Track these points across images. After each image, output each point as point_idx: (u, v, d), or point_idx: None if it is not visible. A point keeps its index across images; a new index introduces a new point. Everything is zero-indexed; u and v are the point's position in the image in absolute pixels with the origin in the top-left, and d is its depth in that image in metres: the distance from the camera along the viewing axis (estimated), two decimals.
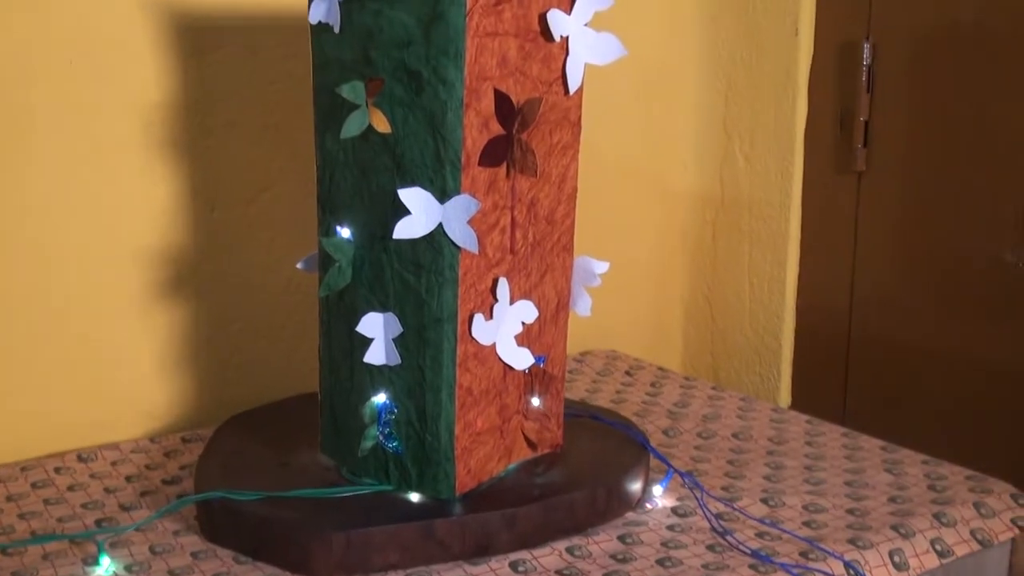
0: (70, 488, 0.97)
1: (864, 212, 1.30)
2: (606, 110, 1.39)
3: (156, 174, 1.09)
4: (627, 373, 1.31)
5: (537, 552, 0.85)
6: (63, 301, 1.06)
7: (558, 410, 0.96)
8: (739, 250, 1.42)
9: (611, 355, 1.38)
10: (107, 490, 0.96)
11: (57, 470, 1.00)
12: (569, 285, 0.95)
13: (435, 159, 0.81)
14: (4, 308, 1.03)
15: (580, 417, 1.03)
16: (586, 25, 0.88)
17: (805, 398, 1.39)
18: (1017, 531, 0.93)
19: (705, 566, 0.83)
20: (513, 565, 0.83)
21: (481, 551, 0.84)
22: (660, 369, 1.33)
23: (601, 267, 0.95)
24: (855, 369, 1.34)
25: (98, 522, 0.90)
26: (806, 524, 0.90)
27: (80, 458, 1.03)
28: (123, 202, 1.07)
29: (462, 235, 0.80)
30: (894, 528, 0.89)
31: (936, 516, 0.91)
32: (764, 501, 0.94)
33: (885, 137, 1.26)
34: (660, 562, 0.84)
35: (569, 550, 0.85)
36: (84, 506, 0.93)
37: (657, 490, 0.95)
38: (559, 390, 0.95)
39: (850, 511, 0.93)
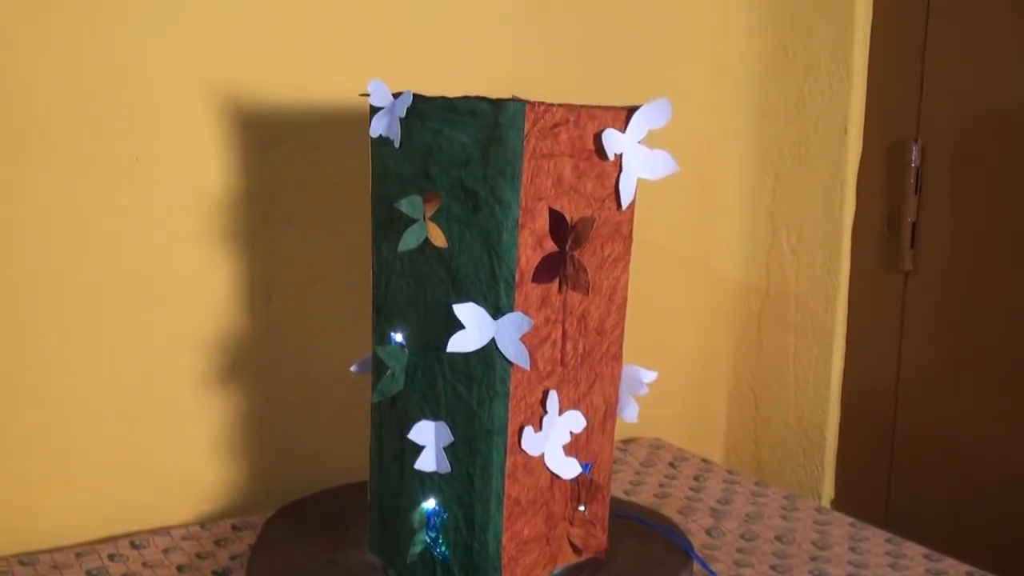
0: None
1: (910, 311, 1.30)
2: (654, 197, 1.41)
3: (216, 263, 1.12)
4: (671, 465, 1.32)
5: None
6: (121, 385, 1.09)
7: (603, 515, 0.97)
8: (784, 341, 1.43)
9: (655, 444, 1.39)
10: None
11: (111, 557, 1.03)
12: (617, 393, 0.96)
13: (490, 276, 0.83)
14: (63, 389, 1.06)
15: (625, 518, 1.04)
16: (639, 142, 0.90)
17: (849, 492, 1.39)
18: None
19: None
20: None
21: None
22: (704, 461, 1.34)
23: (649, 376, 0.97)
24: (899, 464, 1.34)
25: None
26: None
27: (133, 544, 1.05)
28: (183, 290, 1.11)
29: (515, 351, 0.82)
30: None
31: None
32: None
33: (933, 238, 1.27)
34: None
35: None
36: None
37: None
38: (605, 496, 0.96)
39: None
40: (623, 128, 0.89)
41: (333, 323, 1.17)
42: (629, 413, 0.97)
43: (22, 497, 1.06)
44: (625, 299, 0.95)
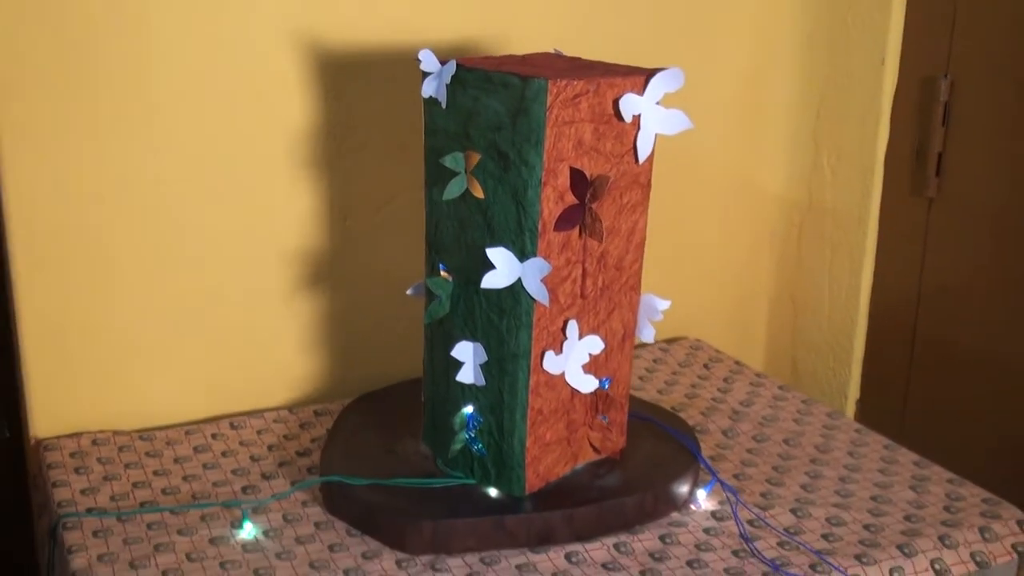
0: (223, 454, 1.19)
1: (933, 234, 1.40)
2: (705, 115, 1.52)
3: (299, 188, 1.28)
4: (704, 366, 1.47)
5: (589, 546, 1.03)
6: (222, 291, 1.28)
7: (621, 420, 1.13)
8: (821, 255, 1.54)
9: (695, 345, 1.54)
10: (252, 458, 1.18)
11: (214, 436, 1.23)
12: (635, 319, 1.11)
13: (517, 225, 0.98)
14: (175, 294, 1.25)
15: (645, 420, 1.20)
16: (657, 103, 1.02)
17: (872, 394, 1.52)
18: (1015, 556, 1.07)
19: (727, 570, 1.00)
20: (568, 556, 1.02)
21: (543, 542, 1.03)
22: (736, 363, 1.48)
23: (663, 304, 1.11)
24: (918, 369, 1.46)
25: (244, 488, 1.12)
26: (824, 537, 1.06)
27: (232, 425, 1.26)
28: (272, 210, 1.28)
29: (536, 291, 0.97)
30: (900, 547, 1.04)
31: (941, 538, 1.06)
32: (793, 511, 1.10)
33: (956, 168, 1.36)
34: (690, 563, 1.01)
35: (616, 546, 1.03)
36: (234, 472, 1.15)
37: (701, 494, 1.12)
38: (623, 404, 1.13)
39: (867, 526, 1.08)
40: (641, 91, 1.01)
41: (401, 237, 1.33)
42: (646, 334, 1.12)
43: (143, 384, 1.26)
44: (643, 239, 1.09)
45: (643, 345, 1.53)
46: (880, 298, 1.49)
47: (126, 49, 1.16)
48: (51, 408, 1.23)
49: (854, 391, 1.54)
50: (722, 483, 1.13)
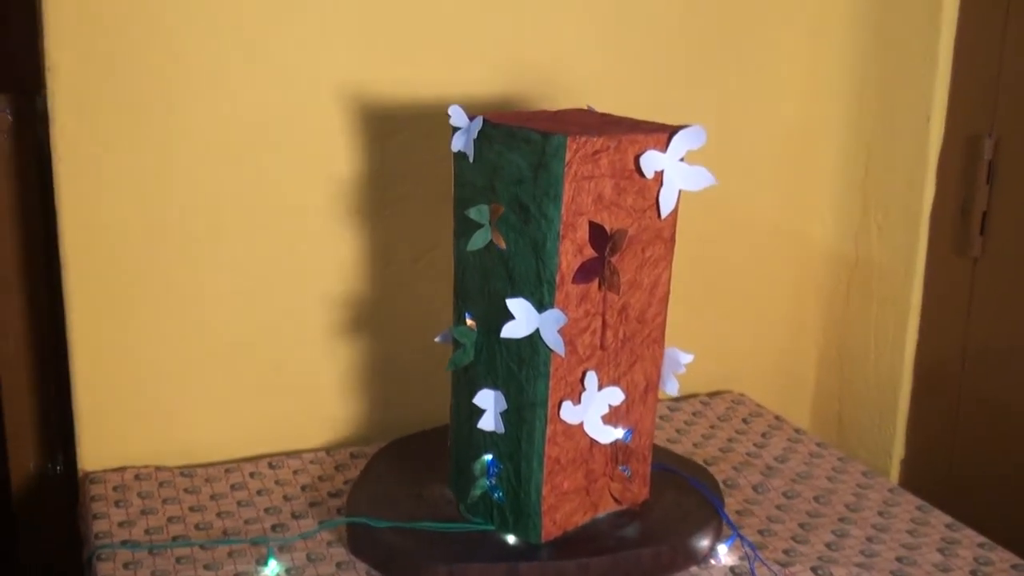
0: (259, 492, 1.23)
1: (977, 293, 1.39)
2: (752, 171, 1.53)
3: (343, 235, 1.32)
4: (744, 420, 1.46)
5: None
6: (265, 334, 1.32)
7: (644, 472, 1.14)
8: (867, 310, 1.53)
9: (737, 400, 1.54)
10: (285, 498, 1.22)
11: (251, 475, 1.27)
12: (659, 371, 1.12)
13: (536, 277, 1.00)
14: (221, 335, 1.30)
15: (670, 472, 1.20)
16: (680, 160, 1.04)
17: (916, 453, 1.50)
18: None
19: None
20: None
21: None
22: (776, 418, 1.47)
23: (687, 358, 1.12)
24: (963, 429, 1.44)
25: (273, 527, 1.15)
26: None
27: (270, 465, 1.30)
28: (315, 256, 1.32)
29: (553, 341, 0.99)
30: None
31: None
32: (814, 569, 1.09)
33: (1001, 228, 1.35)
34: None
35: None
36: (266, 511, 1.19)
37: (722, 549, 1.11)
38: (646, 456, 1.13)
39: None
40: (664, 148, 1.03)
41: (439, 288, 1.36)
42: (671, 387, 1.13)
43: (188, 421, 1.31)
44: (667, 293, 1.10)
45: (684, 398, 1.54)
46: (925, 356, 1.47)
47: (181, 96, 1.22)
48: (99, 442, 1.28)
49: (899, 450, 1.52)
50: (742, 538, 1.13)
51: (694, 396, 1.54)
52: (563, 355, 1.00)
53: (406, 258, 1.36)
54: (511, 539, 1.07)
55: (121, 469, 1.27)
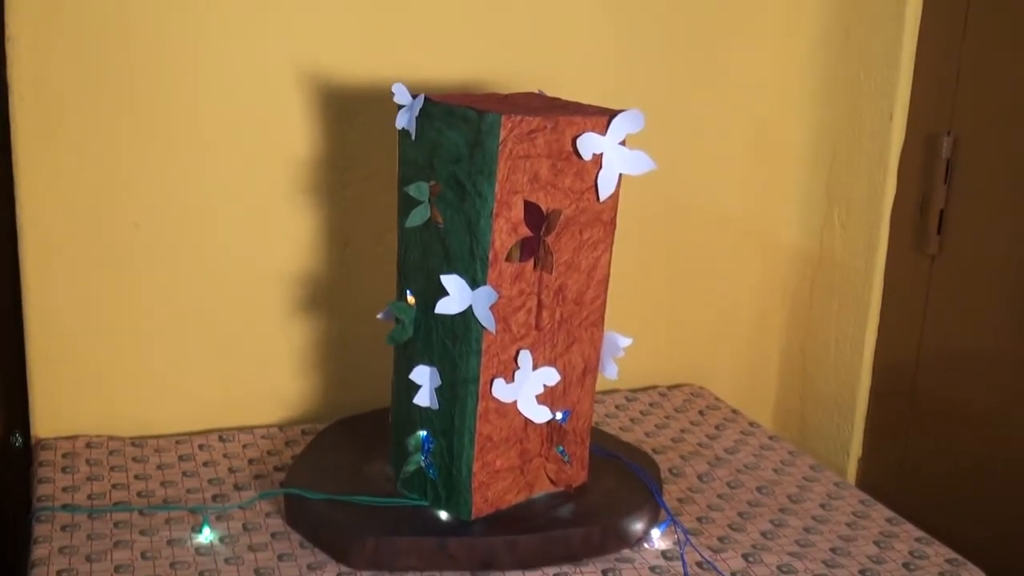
0: (205, 464, 1.24)
1: (934, 291, 1.39)
2: (720, 166, 1.53)
3: (302, 215, 1.34)
4: (699, 412, 1.47)
5: (529, 574, 1.04)
6: (223, 310, 1.33)
7: (582, 455, 1.14)
8: (829, 307, 1.54)
9: (696, 392, 1.54)
10: (231, 470, 1.23)
11: (200, 447, 1.28)
12: (598, 354, 1.12)
13: (470, 254, 1.01)
14: (177, 310, 1.31)
15: (611, 457, 1.21)
16: (620, 143, 1.04)
17: (874, 451, 1.50)
18: None
19: None
20: None
21: (485, 567, 1.05)
22: (733, 412, 1.48)
23: (625, 342, 1.13)
24: (918, 428, 1.44)
25: (215, 497, 1.16)
26: None
27: (221, 438, 1.31)
28: (273, 235, 1.33)
29: (484, 318, 1.00)
30: None
31: None
32: (745, 556, 1.10)
33: (958, 226, 1.35)
34: None
35: None
36: (210, 481, 1.20)
37: (656, 533, 1.12)
38: (584, 439, 1.14)
39: None
40: (603, 131, 1.03)
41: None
42: (609, 371, 1.14)
43: (143, 393, 1.32)
44: (606, 276, 1.10)
45: (643, 389, 1.54)
46: (883, 354, 1.48)
47: (138, 70, 1.23)
48: (53, 411, 1.29)
49: (856, 448, 1.52)
50: (675, 522, 1.13)
51: (654, 388, 1.55)
52: (494, 332, 1.01)
53: (365, 239, 1.37)
54: (443, 515, 1.08)
55: (73, 437, 1.28)
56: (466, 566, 1.04)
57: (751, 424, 1.43)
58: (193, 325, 1.33)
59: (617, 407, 1.47)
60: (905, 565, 1.09)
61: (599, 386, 1.49)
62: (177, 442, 1.29)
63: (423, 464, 1.09)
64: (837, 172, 1.51)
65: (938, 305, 1.39)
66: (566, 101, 1.11)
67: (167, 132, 1.26)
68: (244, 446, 1.30)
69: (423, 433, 1.09)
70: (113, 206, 1.26)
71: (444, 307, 1.02)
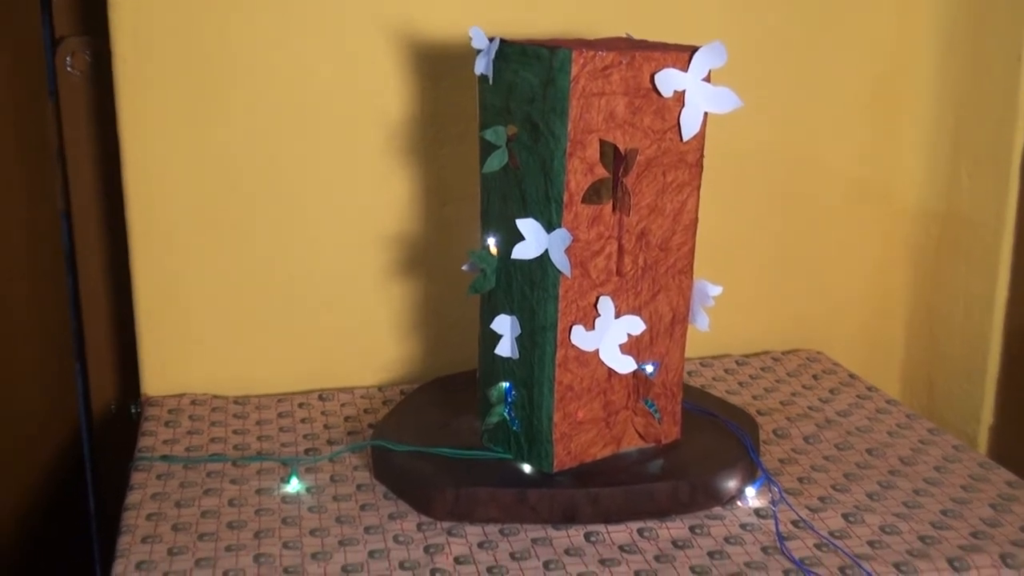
0: (303, 420, 1.25)
1: None
2: (836, 120, 1.46)
3: (398, 174, 1.33)
4: (814, 377, 1.40)
5: (612, 528, 1.01)
6: (322, 272, 1.34)
7: (673, 410, 1.10)
8: (956, 267, 1.44)
9: (812, 357, 1.47)
10: (326, 427, 1.24)
11: (300, 405, 1.30)
12: (687, 303, 1.08)
13: (544, 197, 0.98)
14: (278, 272, 1.33)
15: (707, 415, 1.16)
16: (704, 80, 1.00)
17: (1007, 420, 1.40)
18: None
19: (748, 564, 0.95)
20: (587, 535, 1.00)
21: (567, 519, 1.02)
22: (850, 375, 1.40)
23: (715, 290, 1.08)
24: None
25: (307, 451, 1.17)
26: (870, 543, 0.99)
27: (320, 397, 1.32)
28: (370, 195, 1.33)
29: (560, 262, 0.97)
30: (951, 560, 0.95)
31: (1004, 556, 0.96)
32: (845, 516, 1.03)
33: None
34: (711, 554, 0.97)
35: (640, 531, 1.01)
36: (304, 436, 1.21)
37: (750, 491, 1.07)
38: (676, 393, 1.10)
39: (922, 538, 1.00)
40: (685, 67, 0.99)
41: None
42: (700, 322, 1.09)
43: (247, 354, 1.34)
44: (694, 220, 1.06)
45: (756, 354, 1.48)
46: (1017, 316, 1.37)
47: (238, 36, 1.25)
48: (161, 371, 1.33)
49: (987, 415, 1.42)
50: (768, 477, 1.08)
51: (766, 353, 1.49)
52: (569, 276, 0.98)
53: (462, 198, 1.36)
54: (526, 468, 1.06)
55: (180, 395, 1.32)
56: (547, 518, 1.02)
57: (869, 388, 1.36)
58: (294, 287, 1.34)
59: (726, 371, 1.42)
60: (1023, 528, 1.01)
61: (707, 350, 1.46)
62: (279, 400, 1.31)
63: (506, 416, 1.07)
64: (963, 123, 1.41)
65: None
66: (653, 42, 1.07)
67: (264, 95, 1.28)
68: (343, 404, 1.30)
69: (505, 384, 1.07)
70: (215, 168, 1.29)
71: (520, 252, 0.99)
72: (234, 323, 1.34)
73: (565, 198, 0.97)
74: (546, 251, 0.99)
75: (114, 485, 1.38)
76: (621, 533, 1.01)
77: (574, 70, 0.94)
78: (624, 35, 1.14)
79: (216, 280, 1.32)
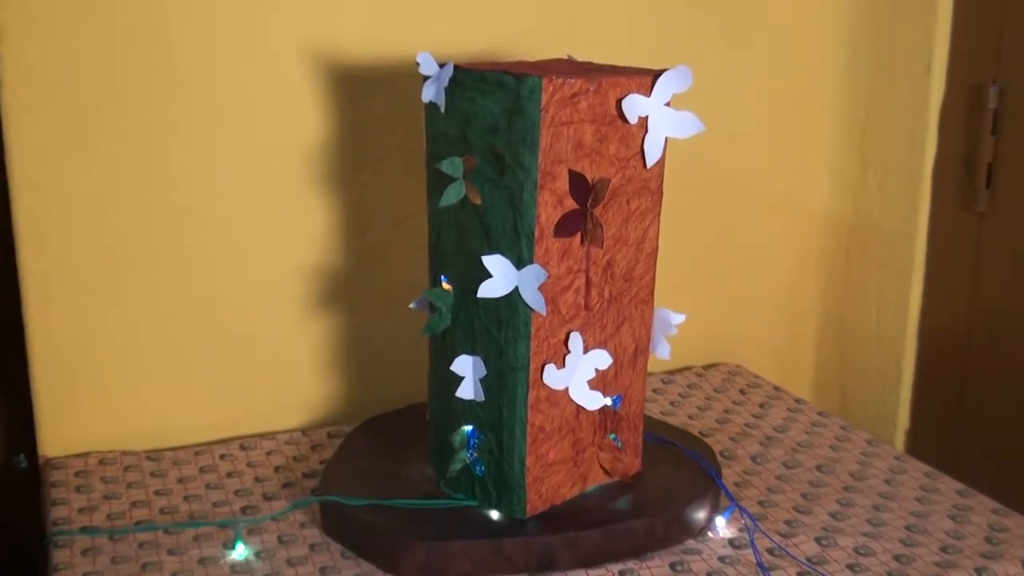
0: (229, 475, 1.16)
1: (985, 250, 1.32)
2: (746, 132, 1.46)
3: (315, 203, 1.26)
4: (741, 392, 1.40)
5: (593, 572, 0.97)
6: (236, 309, 1.25)
7: (636, 442, 1.07)
8: (868, 275, 1.47)
9: (734, 371, 1.47)
10: (257, 479, 1.15)
11: (222, 456, 1.20)
12: (648, 333, 1.05)
13: (514, 231, 0.93)
14: (187, 313, 1.23)
15: (664, 444, 1.14)
16: (666, 105, 0.97)
17: (923, 423, 1.44)
18: None
19: None
20: None
21: (544, 567, 0.97)
22: (775, 389, 1.40)
23: (678, 318, 1.05)
24: (971, 398, 1.37)
25: (243, 509, 1.08)
26: (849, 567, 0.98)
27: (243, 447, 1.23)
28: (287, 226, 1.25)
29: (533, 299, 0.92)
30: None
31: (979, 570, 0.97)
32: (818, 540, 1.03)
33: (1008, 180, 1.28)
34: None
35: (622, 573, 0.97)
36: (236, 492, 1.12)
37: (720, 521, 1.05)
38: (637, 424, 1.07)
39: (897, 557, 1.00)
40: (648, 92, 0.96)
41: (422, 254, 1.29)
42: (661, 351, 1.06)
43: (155, 404, 1.24)
44: (655, 248, 1.03)
45: (679, 370, 1.47)
46: (930, 320, 1.41)
47: (140, 61, 1.15)
48: (61, 427, 1.21)
49: (903, 420, 1.46)
50: (741, 509, 1.06)
51: (688, 368, 1.48)
52: (544, 314, 0.93)
53: (385, 226, 1.29)
54: (494, 515, 1.01)
55: (84, 455, 1.20)
56: (524, 568, 0.97)
57: (797, 401, 1.36)
58: (205, 328, 1.24)
59: (655, 391, 1.40)
60: (987, 540, 1.03)
61: None
62: (196, 453, 1.21)
63: (469, 461, 1.01)
64: (871, 132, 1.44)
65: (990, 264, 1.32)
66: (600, 64, 1.04)
67: (170, 124, 1.18)
68: (268, 453, 1.22)
69: (468, 428, 1.01)
70: (115, 206, 1.18)
71: (487, 290, 0.94)
72: (139, 371, 1.23)
73: (536, 232, 0.92)
74: (515, 288, 0.94)
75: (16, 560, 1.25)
76: None
77: (544, 98, 0.89)
78: (566, 56, 1.10)
79: (118, 325, 1.21)
